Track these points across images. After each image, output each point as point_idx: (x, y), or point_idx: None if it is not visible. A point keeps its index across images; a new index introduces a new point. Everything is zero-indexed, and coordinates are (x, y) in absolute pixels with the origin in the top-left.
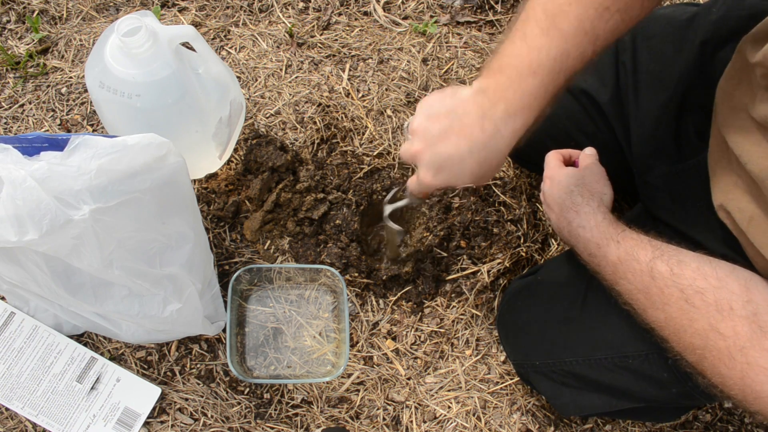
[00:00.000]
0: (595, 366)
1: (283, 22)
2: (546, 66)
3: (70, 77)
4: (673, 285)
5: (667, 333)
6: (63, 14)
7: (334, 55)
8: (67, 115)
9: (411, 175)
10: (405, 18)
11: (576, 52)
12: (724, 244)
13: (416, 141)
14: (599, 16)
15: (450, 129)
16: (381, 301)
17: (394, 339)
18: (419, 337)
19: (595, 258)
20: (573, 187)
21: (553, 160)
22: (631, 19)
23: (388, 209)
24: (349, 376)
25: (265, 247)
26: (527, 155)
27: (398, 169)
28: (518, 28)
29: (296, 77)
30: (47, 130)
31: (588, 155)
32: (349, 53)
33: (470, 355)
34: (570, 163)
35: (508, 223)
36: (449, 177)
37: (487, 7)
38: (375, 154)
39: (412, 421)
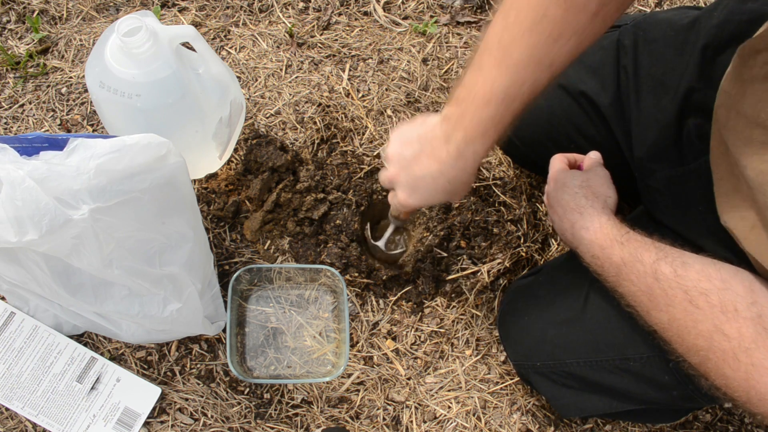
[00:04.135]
0: (596, 368)
1: (283, 22)
2: (498, 96)
3: (70, 77)
4: (677, 286)
5: (670, 335)
6: (63, 14)
7: (334, 55)
8: (67, 115)
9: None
10: (405, 18)
11: (530, 80)
12: (727, 248)
13: (392, 166)
14: (553, 44)
15: (421, 152)
16: (381, 301)
17: (394, 339)
18: (419, 337)
19: (598, 260)
20: (577, 189)
21: (557, 163)
22: (587, 41)
23: (381, 244)
24: (349, 376)
25: (265, 247)
26: (528, 157)
27: None
28: (476, 58)
29: (296, 77)
30: (47, 130)
31: (593, 159)
32: (349, 53)
33: (470, 355)
34: (575, 166)
35: (508, 223)
36: (425, 195)
37: (487, 7)
38: (375, 154)
39: (412, 421)
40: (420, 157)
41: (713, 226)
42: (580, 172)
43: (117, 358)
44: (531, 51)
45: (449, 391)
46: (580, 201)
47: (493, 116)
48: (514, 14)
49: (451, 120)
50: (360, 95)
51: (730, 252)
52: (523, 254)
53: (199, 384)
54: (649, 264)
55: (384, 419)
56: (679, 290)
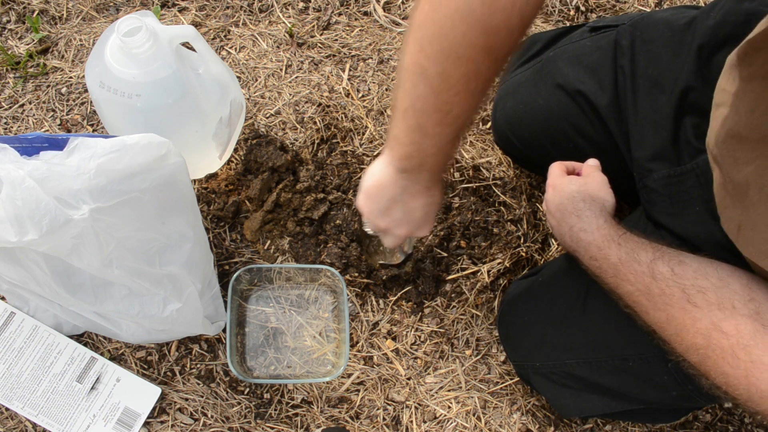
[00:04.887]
0: (596, 368)
1: (283, 22)
2: (449, 143)
3: (70, 77)
4: (675, 285)
5: (669, 334)
6: (63, 14)
7: (334, 55)
8: (67, 115)
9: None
10: (405, 18)
11: (473, 117)
12: (725, 248)
13: (380, 222)
14: (488, 87)
15: (403, 195)
16: (381, 301)
17: (394, 339)
18: (419, 337)
19: (596, 261)
20: (575, 193)
21: (556, 169)
22: (486, 87)
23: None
24: (349, 376)
25: (265, 247)
26: (527, 157)
27: None
28: (411, 119)
29: (296, 77)
30: (47, 130)
31: (591, 165)
32: (349, 53)
33: (470, 355)
34: (573, 174)
35: (508, 223)
36: (408, 231)
37: None
38: (375, 154)
39: (412, 421)
40: (391, 208)
41: (711, 227)
42: (578, 177)
43: (117, 358)
44: (468, 103)
45: (449, 391)
46: (578, 205)
47: (448, 156)
48: (441, 82)
49: (412, 171)
50: (360, 95)
51: (728, 253)
52: (523, 254)
53: (199, 384)
54: (646, 263)
55: (384, 419)
56: (677, 289)
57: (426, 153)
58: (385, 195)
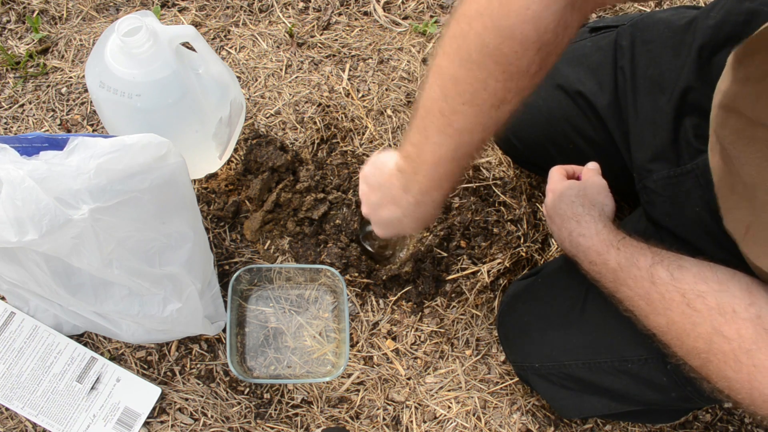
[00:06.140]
0: (595, 369)
1: (283, 22)
2: (447, 158)
3: (70, 77)
4: (674, 289)
5: (669, 338)
6: (63, 14)
7: (334, 55)
8: (67, 115)
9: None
10: (405, 18)
11: (477, 140)
12: (725, 250)
13: (364, 207)
14: (495, 111)
15: (384, 199)
16: (381, 301)
17: (394, 339)
18: (419, 337)
19: (595, 266)
20: (574, 197)
21: (555, 174)
22: (529, 94)
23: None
24: (349, 376)
25: (265, 247)
26: (527, 157)
27: None
28: (419, 120)
29: (296, 77)
30: (47, 130)
31: (590, 169)
32: (349, 53)
33: (470, 355)
34: (573, 177)
35: (508, 223)
36: (395, 231)
37: None
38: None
39: (412, 421)
40: (383, 203)
41: (711, 228)
42: (577, 182)
43: (117, 358)
44: (474, 119)
45: (449, 391)
46: (577, 209)
47: (445, 173)
48: (452, 86)
49: (406, 173)
50: (360, 95)
51: (729, 254)
52: (523, 254)
53: (199, 384)
54: (645, 268)
55: (384, 419)
56: (676, 293)
57: (423, 160)
58: (377, 178)
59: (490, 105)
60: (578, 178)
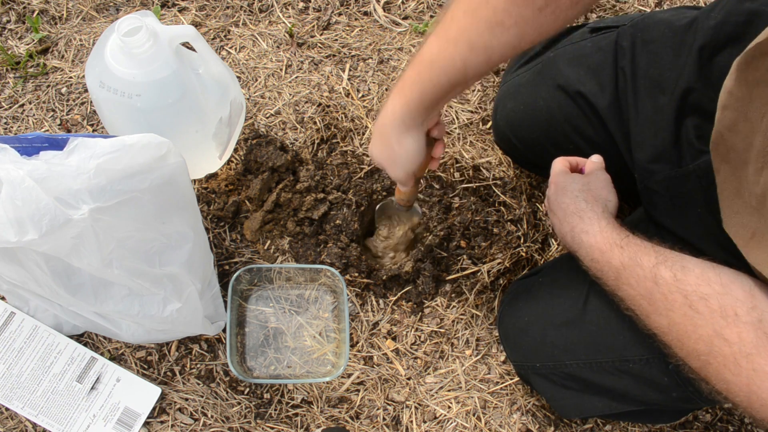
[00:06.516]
0: (596, 369)
1: (283, 22)
2: (424, 60)
3: (70, 77)
4: (677, 291)
5: (670, 339)
6: (63, 14)
7: (334, 55)
8: (67, 115)
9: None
10: (405, 18)
11: (460, 59)
12: (727, 251)
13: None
14: (489, 31)
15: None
16: (381, 301)
17: (394, 339)
18: (419, 337)
19: (597, 263)
20: (577, 192)
21: (559, 166)
22: (532, 34)
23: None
24: (349, 376)
25: (265, 247)
26: (527, 157)
27: None
28: (431, 29)
29: (296, 77)
30: (47, 130)
31: (594, 162)
32: (349, 53)
33: (470, 355)
34: (576, 170)
35: (508, 223)
36: (393, 163)
37: None
38: None
39: (412, 421)
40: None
41: (713, 229)
42: (581, 175)
43: (117, 358)
44: (465, 32)
45: (449, 391)
46: (580, 204)
47: (411, 76)
48: None
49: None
50: (360, 95)
51: (730, 255)
52: (523, 254)
53: (199, 384)
54: (648, 268)
55: (384, 419)
56: (679, 294)
57: (412, 58)
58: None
59: (486, 21)
60: (581, 171)
